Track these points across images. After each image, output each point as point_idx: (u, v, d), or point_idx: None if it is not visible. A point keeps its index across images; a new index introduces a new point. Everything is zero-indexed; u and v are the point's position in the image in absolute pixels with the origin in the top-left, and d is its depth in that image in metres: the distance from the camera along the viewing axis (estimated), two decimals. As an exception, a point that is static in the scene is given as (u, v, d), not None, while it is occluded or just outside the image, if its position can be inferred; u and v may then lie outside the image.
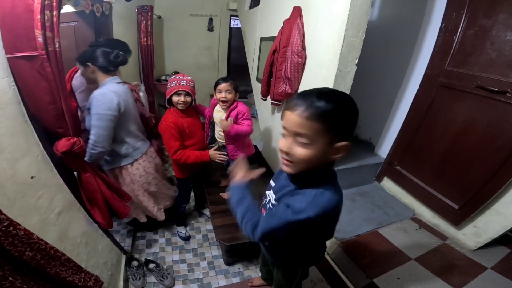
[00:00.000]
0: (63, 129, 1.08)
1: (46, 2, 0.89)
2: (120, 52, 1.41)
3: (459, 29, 1.53)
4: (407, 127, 1.93)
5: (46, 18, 0.90)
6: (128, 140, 1.48)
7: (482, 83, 1.42)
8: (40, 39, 0.89)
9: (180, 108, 1.57)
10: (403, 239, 1.65)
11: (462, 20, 1.51)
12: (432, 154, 1.74)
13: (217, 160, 1.69)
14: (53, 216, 1.04)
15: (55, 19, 0.94)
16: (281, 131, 0.69)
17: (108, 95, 1.29)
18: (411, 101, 1.87)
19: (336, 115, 0.60)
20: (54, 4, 0.92)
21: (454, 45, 1.56)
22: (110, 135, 1.32)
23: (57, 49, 0.97)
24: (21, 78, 0.93)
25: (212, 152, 1.69)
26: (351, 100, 0.63)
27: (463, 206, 1.56)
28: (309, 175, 0.69)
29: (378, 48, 2.15)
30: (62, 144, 1.07)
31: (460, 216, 1.58)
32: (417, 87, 1.80)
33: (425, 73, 1.74)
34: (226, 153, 1.75)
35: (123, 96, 1.37)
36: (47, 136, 1.08)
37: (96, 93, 1.28)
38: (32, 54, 0.89)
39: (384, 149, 2.18)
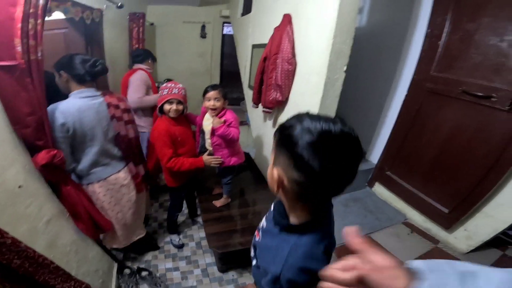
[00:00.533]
0: (42, 141, 1.03)
1: (31, 10, 0.87)
2: (100, 61, 1.29)
3: (444, 34, 1.55)
4: (396, 133, 1.95)
5: (30, 26, 0.89)
6: (83, 161, 1.30)
7: (468, 88, 1.44)
8: (19, 48, 0.86)
9: (172, 116, 1.56)
10: (396, 244, 1.65)
11: (447, 24, 1.53)
12: (421, 159, 1.76)
13: (212, 164, 1.69)
14: (42, 225, 1.04)
15: (39, 27, 0.93)
16: None
17: (54, 114, 1.13)
18: (400, 107, 1.89)
19: (275, 134, 0.57)
20: (39, 12, 0.91)
21: (439, 50, 1.59)
22: (67, 154, 1.19)
23: (39, 58, 0.95)
24: (1, 88, 0.90)
25: (206, 157, 1.68)
26: (303, 129, 0.50)
27: (453, 210, 1.57)
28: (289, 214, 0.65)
29: (367, 55, 2.18)
30: (42, 157, 1.01)
31: (451, 220, 1.59)
32: (405, 92, 1.83)
33: (413, 78, 1.77)
34: (220, 156, 1.74)
35: (76, 116, 1.18)
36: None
37: (48, 109, 1.12)
38: (11, 63, 0.86)
39: (375, 155, 2.20)
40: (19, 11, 0.85)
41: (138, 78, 2.10)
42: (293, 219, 0.63)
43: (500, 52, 1.32)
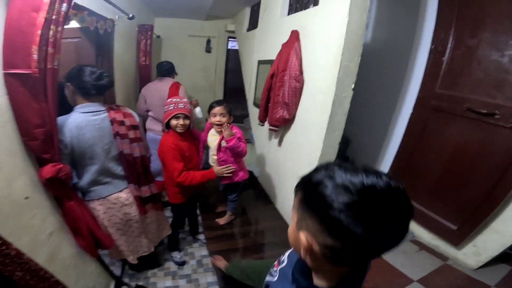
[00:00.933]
0: (49, 154, 0.99)
1: (53, 17, 0.86)
2: (105, 74, 1.23)
3: (448, 50, 1.55)
4: (402, 151, 1.93)
5: (51, 33, 0.88)
6: (82, 179, 1.26)
7: (472, 105, 1.45)
8: (35, 56, 0.83)
9: (179, 131, 1.54)
10: (404, 262, 1.61)
11: (450, 40, 1.53)
12: (427, 177, 1.75)
13: (225, 174, 1.66)
14: (45, 237, 1.03)
15: (59, 35, 0.92)
16: None
17: None
18: (406, 124, 1.87)
19: (298, 191, 0.48)
20: (61, 19, 0.91)
21: (443, 66, 1.59)
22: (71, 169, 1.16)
23: (56, 67, 0.92)
24: (12, 97, 0.87)
25: (217, 168, 1.65)
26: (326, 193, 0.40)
27: (461, 227, 1.55)
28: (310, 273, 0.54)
29: (373, 71, 2.18)
30: (47, 170, 0.99)
31: (459, 236, 1.57)
32: (411, 110, 1.83)
33: (418, 96, 1.78)
34: (231, 165, 1.70)
35: (74, 133, 1.14)
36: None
37: None
38: (25, 72, 0.83)
39: (381, 174, 2.18)
40: (41, 17, 0.83)
41: (185, 92, 2.40)
42: (318, 281, 0.51)
43: (501, 68, 1.33)
